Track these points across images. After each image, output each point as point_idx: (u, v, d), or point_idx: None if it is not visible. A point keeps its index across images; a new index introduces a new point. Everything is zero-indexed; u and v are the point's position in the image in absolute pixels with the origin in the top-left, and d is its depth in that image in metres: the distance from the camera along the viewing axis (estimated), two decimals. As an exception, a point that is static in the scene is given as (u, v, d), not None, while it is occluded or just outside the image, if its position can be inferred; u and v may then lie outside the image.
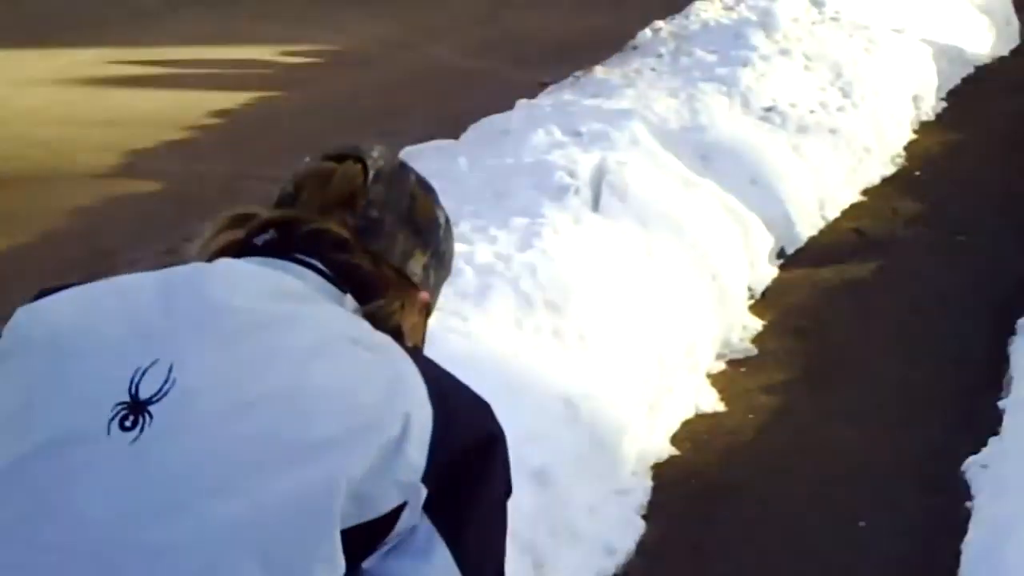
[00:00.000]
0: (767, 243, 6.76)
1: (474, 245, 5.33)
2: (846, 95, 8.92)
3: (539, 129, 6.42)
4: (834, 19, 10.26)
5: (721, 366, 5.74)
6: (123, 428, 1.39)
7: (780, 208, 7.12)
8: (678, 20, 9.43)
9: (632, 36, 9.21)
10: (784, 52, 9.04)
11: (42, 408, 1.45)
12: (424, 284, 1.78)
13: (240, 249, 1.67)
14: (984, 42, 12.63)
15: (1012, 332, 6.12)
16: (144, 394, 1.42)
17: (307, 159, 1.78)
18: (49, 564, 1.36)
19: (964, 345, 6.19)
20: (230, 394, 1.43)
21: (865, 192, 8.15)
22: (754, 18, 9.48)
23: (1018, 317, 6.23)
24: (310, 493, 1.38)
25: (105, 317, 1.53)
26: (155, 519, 1.35)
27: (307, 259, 1.62)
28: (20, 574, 1.35)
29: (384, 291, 1.68)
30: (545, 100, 7.40)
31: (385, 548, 1.48)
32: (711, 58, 8.62)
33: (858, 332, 6.34)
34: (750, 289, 6.53)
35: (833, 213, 7.69)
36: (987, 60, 12.25)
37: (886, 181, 8.41)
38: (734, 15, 9.63)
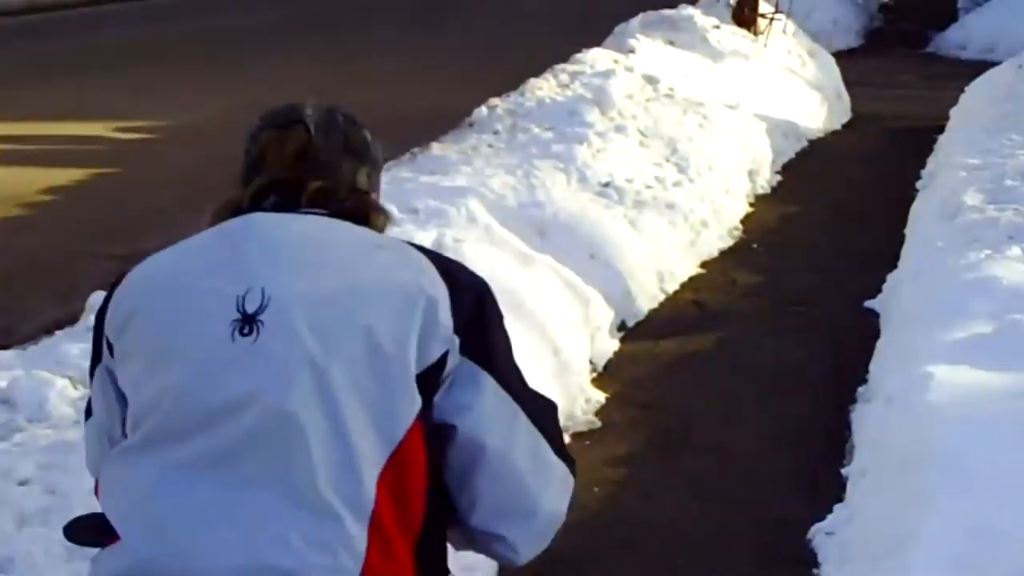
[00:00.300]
0: (608, 316, 6.73)
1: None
2: (682, 170, 8.99)
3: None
4: (668, 96, 10.37)
5: (565, 439, 5.65)
6: (242, 335, 1.93)
7: (620, 282, 7.09)
8: (514, 97, 9.43)
9: (469, 113, 9.17)
10: (619, 129, 9.10)
11: (182, 340, 1.98)
12: (372, 189, 2.30)
13: (246, 210, 2.15)
14: (817, 116, 12.95)
15: (852, 400, 6.16)
16: (250, 310, 1.95)
17: (255, 125, 2.29)
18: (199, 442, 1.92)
19: (806, 414, 6.20)
20: (308, 296, 1.96)
21: (704, 264, 8.20)
22: (589, 95, 9.53)
23: (857, 386, 6.27)
24: (398, 327, 1.97)
25: (194, 271, 2.05)
26: (277, 382, 1.91)
27: (311, 210, 2.13)
28: (180, 448, 1.92)
29: (368, 215, 2.21)
30: (381, 177, 7.28)
31: (444, 388, 2.02)
32: (547, 135, 8.62)
33: (700, 403, 6.31)
34: (592, 362, 6.48)
35: (672, 286, 7.70)
36: (820, 134, 12.55)
37: (724, 253, 8.48)
38: (569, 92, 9.66)
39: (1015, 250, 6.79)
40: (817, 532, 4.96)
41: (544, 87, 9.76)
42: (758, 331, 7.24)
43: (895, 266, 8.02)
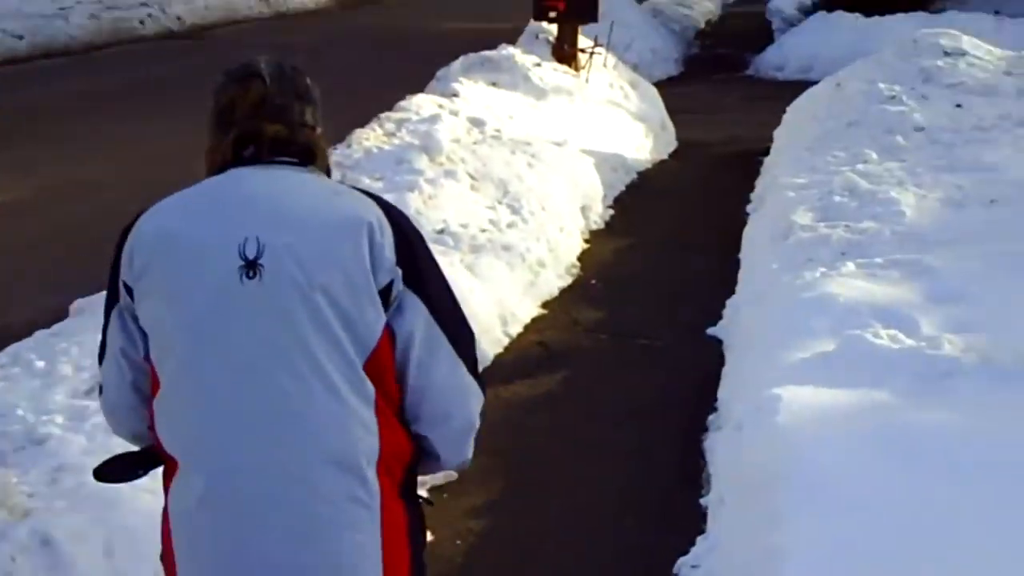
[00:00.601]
0: (454, 365, 6.63)
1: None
2: (515, 211, 8.97)
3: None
4: (495, 137, 10.36)
5: (423, 494, 5.56)
6: (248, 278, 2.48)
7: (463, 328, 7.02)
8: (340, 149, 9.32)
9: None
10: (449, 174, 9.05)
11: (195, 281, 2.52)
12: (316, 123, 2.79)
13: (233, 162, 2.68)
14: (643, 147, 13.06)
15: (704, 429, 6.17)
16: (251, 256, 2.50)
17: (219, 78, 2.76)
18: (237, 374, 2.49)
19: (660, 448, 6.18)
20: (293, 241, 2.50)
21: (545, 304, 8.17)
22: (416, 142, 9.47)
23: (707, 414, 6.29)
24: (352, 254, 2.52)
25: (199, 224, 2.57)
26: (278, 319, 2.49)
27: (280, 159, 2.68)
28: (228, 384, 2.49)
29: (319, 151, 2.76)
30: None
31: (391, 309, 2.57)
32: (378, 185, 8.54)
33: (554, 445, 6.25)
34: (442, 412, 6.38)
35: (516, 328, 7.65)
36: (648, 165, 12.66)
37: (564, 292, 8.47)
38: (396, 141, 9.59)
39: (849, 266, 6.89)
40: (682, 566, 4.94)
41: (371, 137, 9.68)
42: (605, 368, 7.23)
43: (733, 291, 8.10)
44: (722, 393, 6.38)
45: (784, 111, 13.20)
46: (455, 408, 2.72)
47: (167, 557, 2.63)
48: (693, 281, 8.77)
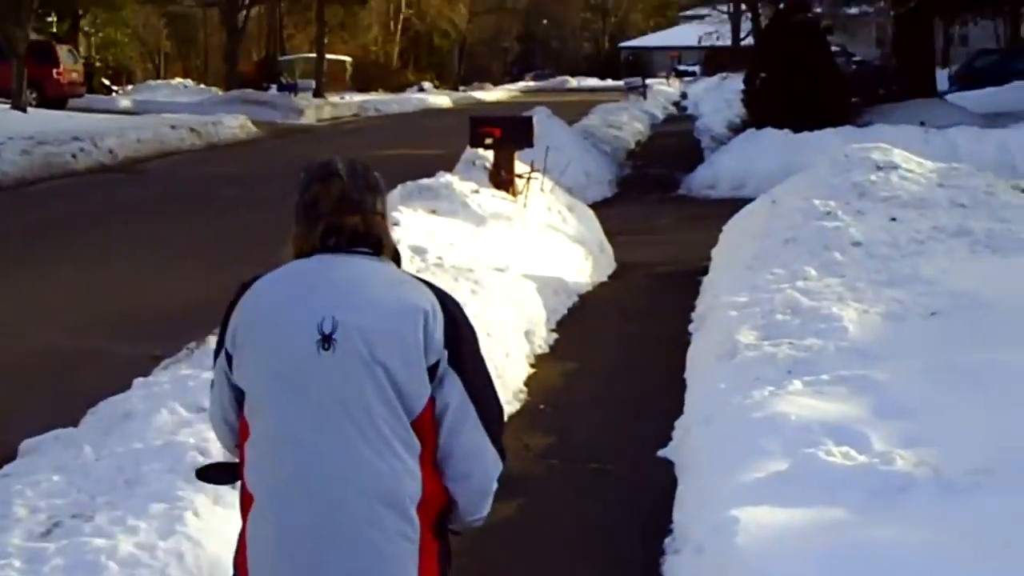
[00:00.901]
0: (408, 496, 6.60)
1: (114, 539, 5.02)
2: (461, 338, 8.97)
3: (162, 408, 6.13)
4: (438, 265, 10.43)
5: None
6: (324, 349, 3.00)
7: (415, 459, 7.00)
8: (286, 282, 9.34)
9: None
10: (395, 302, 9.05)
11: (283, 350, 3.05)
12: (384, 210, 3.30)
13: (318, 249, 3.18)
14: (583, 270, 13.17)
15: (661, 552, 6.14)
16: (327, 331, 3.02)
17: (302, 176, 3.29)
18: (310, 428, 3.01)
19: (617, 571, 6.16)
20: (360, 321, 3.02)
21: (495, 431, 8.14)
22: (360, 272, 9.49)
23: (664, 537, 6.27)
24: (409, 334, 3.03)
25: (286, 303, 3.10)
26: (347, 384, 3.01)
27: (358, 249, 3.17)
28: (302, 435, 3.00)
29: (386, 237, 3.25)
30: (163, 376, 7.09)
31: (435, 382, 3.08)
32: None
33: (512, 575, 6.21)
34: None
35: (468, 455, 7.62)
36: (589, 287, 12.75)
37: (512, 417, 8.44)
38: (340, 272, 9.61)
39: (796, 384, 6.96)
40: None
41: (314, 270, 9.70)
42: (558, 493, 7.20)
43: (681, 412, 8.12)
44: (678, 515, 6.37)
45: (719, 229, 13.38)
46: (475, 469, 3.19)
47: (239, 561, 3.19)
48: (640, 403, 8.79)
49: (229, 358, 3.20)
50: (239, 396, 3.20)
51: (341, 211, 3.20)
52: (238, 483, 3.25)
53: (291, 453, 3.06)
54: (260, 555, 3.09)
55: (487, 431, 3.19)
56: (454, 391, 3.13)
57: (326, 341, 3.05)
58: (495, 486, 3.28)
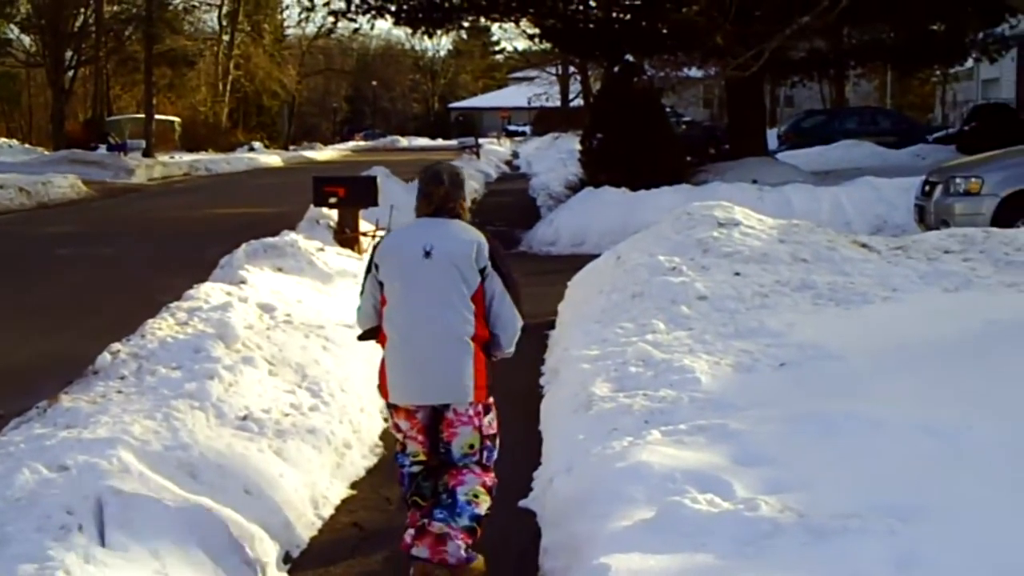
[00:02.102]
0: (273, 550, 6.53)
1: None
2: (315, 394, 8.98)
3: (23, 468, 5.97)
4: (287, 322, 10.38)
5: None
6: (426, 256, 6.12)
7: (277, 514, 6.94)
8: (135, 340, 9.20)
9: (89, 360, 8.86)
10: (247, 360, 9.01)
11: (406, 260, 6.20)
12: (464, 198, 6.51)
13: (427, 215, 6.33)
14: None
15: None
16: (428, 249, 6.14)
17: (423, 176, 6.44)
18: (424, 319, 6.14)
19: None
20: (444, 245, 6.15)
21: (354, 485, 8.13)
22: (211, 330, 9.41)
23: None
24: (469, 253, 6.17)
25: (408, 239, 6.27)
26: (441, 288, 6.15)
27: (449, 218, 6.32)
28: (418, 328, 6.15)
29: (461, 210, 6.41)
30: (15, 436, 6.91)
31: (486, 277, 6.22)
32: (176, 375, 8.43)
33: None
34: (265, 600, 6.28)
35: (328, 511, 7.59)
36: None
37: (371, 472, 8.45)
38: (190, 329, 9.51)
39: (655, 434, 7.06)
40: None
41: (163, 327, 9.58)
42: (421, 546, 7.17)
43: (538, 463, 8.17)
44: (546, 564, 6.40)
45: (563, 284, 13.53)
46: (509, 323, 6.31)
47: (382, 381, 6.32)
48: (497, 454, 8.81)
49: (376, 268, 6.31)
50: (380, 288, 6.31)
51: (443, 202, 6.32)
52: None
53: (409, 312, 6.17)
54: (394, 365, 6.24)
55: (515, 304, 6.32)
56: (496, 283, 6.23)
57: (427, 255, 6.12)
58: (519, 333, 6.39)
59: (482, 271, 6.07)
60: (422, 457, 6.36)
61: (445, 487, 6.29)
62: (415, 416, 6.23)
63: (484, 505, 6.33)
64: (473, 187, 35.34)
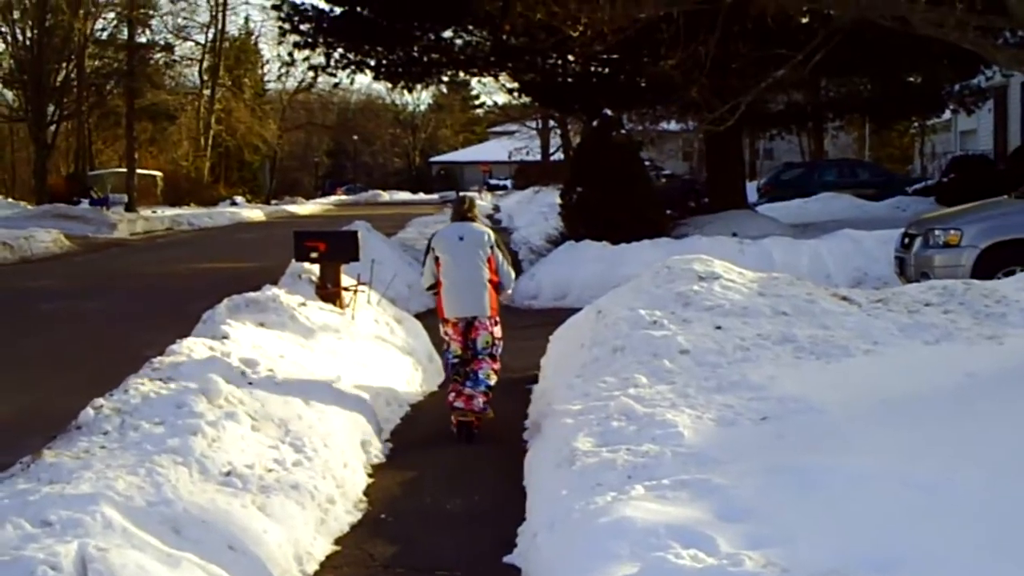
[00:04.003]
0: (257, 608, 6.54)
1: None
2: (298, 450, 8.96)
3: (6, 524, 5.96)
4: (270, 377, 10.37)
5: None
6: (460, 240, 11.45)
7: (262, 570, 6.93)
8: (118, 395, 9.17)
9: (72, 415, 8.84)
10: (230, 415, 8.99)
11: (450, 243, 11.58)
12: (476, 207, 12.38)
13: (457, 219, 11.80)
14: (413, 380, 13.25)
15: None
16: (461, 236, 11.50)
17: (455, 199, 12.87)
18: (462, 273, 11.46)
19: None
20: (470, 235, 11.55)
21: (338, 541, 8.12)
22: (193, 385, 9.40)
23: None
24: (482, 238, 11.62)
25: (450, 232, 11.65)
26: (470, 257, 11.49)
27: (469, 221, 11.87)
28: (460, 278, 11.44)
29: (477, 216, 12.02)
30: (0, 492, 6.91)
31: (496, 254, 11.65)
32: (159, 430, 8.41)
33: None
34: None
35: (312, 567, 7.57)
36: (420, 397, 12.84)
37: (355, 527, 8.44)
38: (173, 385, 9.49)
39: (638, 489, 7.07)
40: None
41: (146, 382, 9.55)
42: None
43: (523, 518, 8.19)
44: (531, 620, 6.42)
45: (545, 338, 13.57)
46: (506, 276, 11.67)
47: (440, 308, 11.56)
48: (481, 510, 8.84)
49: (432, 249, 11.50)
50: (435, 260, 11.42)
51: (465, 213, 11.64)
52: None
53: (455, 270, 11.29)
54: (447, 298, 11.37)
55: (512, 266, 11.81)
56: (499, 254, 11.48)
57: (460, 239, 11.32)
58: (514, 282, 11.98)
59: (491, 248, 11.47)
60: (459, 352, 11.49)
61: (472, 370, 11.33)
62: (457, 325, 11.43)
63: (493, 379, 11.40)
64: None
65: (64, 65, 62.44)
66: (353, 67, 30.60)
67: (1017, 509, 6.19)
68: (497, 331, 11.49)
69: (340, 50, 30.21)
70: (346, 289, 14.90)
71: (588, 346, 11.56)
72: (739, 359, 10.19)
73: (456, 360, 11.40)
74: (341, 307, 14.52)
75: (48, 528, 6.01)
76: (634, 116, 32.61)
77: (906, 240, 18.36)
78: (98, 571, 5.52)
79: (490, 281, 11.32)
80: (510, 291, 12.23)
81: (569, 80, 30.53)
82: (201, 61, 78.89)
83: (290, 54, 31.91)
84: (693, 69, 16.35)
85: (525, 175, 79.19)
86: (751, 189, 39.08)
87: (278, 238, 17.63)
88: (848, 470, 6.89)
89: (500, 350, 11.55)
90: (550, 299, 21.48)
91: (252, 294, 13.29)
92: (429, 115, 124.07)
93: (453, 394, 11.17)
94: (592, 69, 29.85)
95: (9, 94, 68.25)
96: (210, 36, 79.19)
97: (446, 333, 11.47)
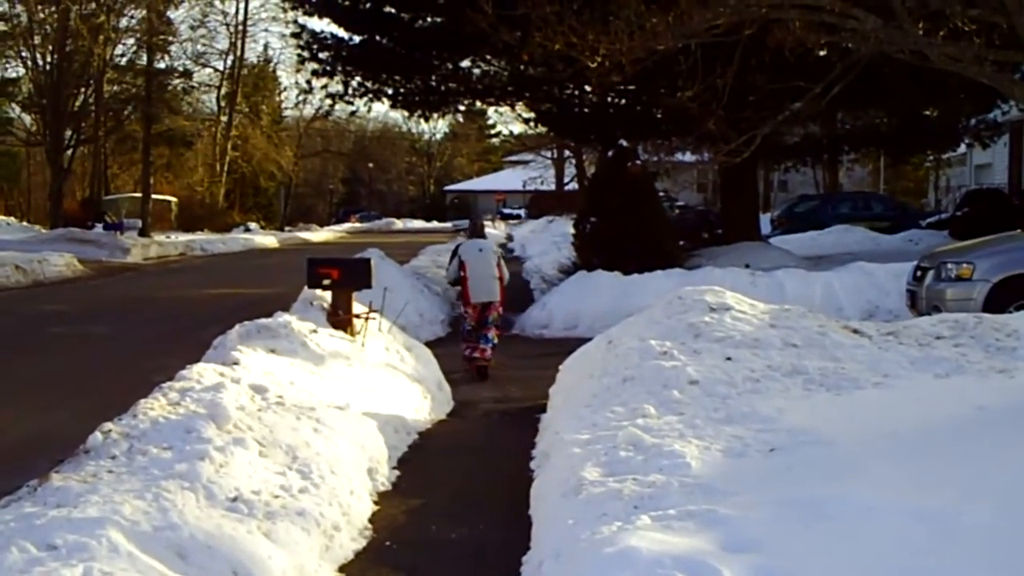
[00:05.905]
0: (260, 635, 6.52)
1: None
2: (305, 476, 8.94)
3: (11, 547, 5.96)
4: (279, 403, 10.37)
5: None
6: (480, 251, 17.82)
7: (266, 598, 6.92)
8: (126, 420, 9.18)
9: (80, 439, 8.85)
10: (238, 441, 8.98)
11: (473, 253, 17.70)
12: (484, 226, 20.91)
13: (473, 237, 18.53)
14: (422, 408, 13.22)
15: None
16: (480, 248, 17.71)
17: (468, 227, 20.94)
18: (483, 271, 17.68)
19: None
20: (486, 247, 17.88)
21: (343, 568, 8.09)
22: (202, 411, 9.40)
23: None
24: (495, 250, 18.17)
25: (473, 245, 17.87)
26: (488, 261, 17.75)
27: (483, 238, 18.76)
28: (482, 275, 17.57)
29: (484, 235, 19.11)
30: (5, 514, 6.89)
31: (500, 260, 18.15)
32: (167, 455, 8.41)
33: None
34: None
35: (316, 594, 7.56)
36: (428, 425, 12.81)
37: (360, 555, 8.41)
38: (182, 410, 9.49)
39: (644, 519, 7.03)
40: None
41: (155, 407, 9.56)
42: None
43: (528, 547, 8.15)
44: (536, 651, 6.38)
45: (555, 367, 13.57)
46: (505, 275, 17.70)
47: (465, 296, 17.61)
48: (487, 539, 8.81)
49: (459, 256, 17.46)
50: (460, 263, 17.37)
51: (480, 231, 18.75)
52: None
53: (478, 270, 17.25)
54: (473, 289, 17.29)
55: (506, 271, 17.81)
56: (502, 262, 17.59)
57: (480, 251, 17.41)
58: (507, 280, 17.90)
59: (499, 256, 17.11)
60: (473, 323, 17.13)
61: (483, 333, 16.88)
62: (476, 307, 17.05)
63: (496, 340, 17.16)
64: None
65: (83, 90, 62.74)
66: (371, 95, 30.71)
67: (1025, 544, 6.15)
68: (500, 309, 17.68)
69: (358, 78, 30.32)
70: (358, 316, 14.92)
71: (598, 376, 11.54)
72: (749, 390, 10.16)
73: (470, 328, 17.46)
74: (352, 334, 14.53)
75: (54, 552, 6.01)
76: (649, 147, 32.66)
77: (918, 273, 18.35)
78: (101, 595, 5.52)
79: (499, 278, 17.29)
80: (505, 283, 17.80)
81: (586, 110, 30.60)
82: (219, 87, 79.30)
83: (308, 82, 32.19)
84: (710, 101, 16.42)
85: (539, 204, 79.38)
86: (765, 221, 39.11)
87: (291, 264, 17.76)
88: (857, 502, 6.85)
89: (500, 320, 17.89)
90: (561, 328, 21.54)
91: (264, 320, 13.30)
92: (445, 144, 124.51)
93: (469, 350, 17.32)
94: (609, 100, 29.94)
95: (27, 118, 68.66)
96: (229, 63, 79.66)
97: (467, 312, 17.63)
